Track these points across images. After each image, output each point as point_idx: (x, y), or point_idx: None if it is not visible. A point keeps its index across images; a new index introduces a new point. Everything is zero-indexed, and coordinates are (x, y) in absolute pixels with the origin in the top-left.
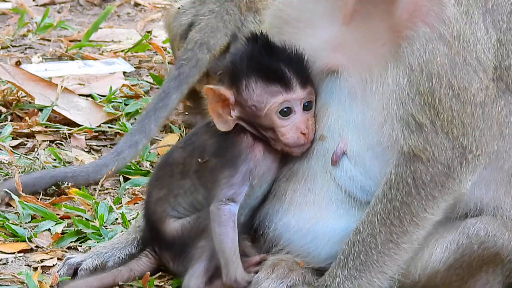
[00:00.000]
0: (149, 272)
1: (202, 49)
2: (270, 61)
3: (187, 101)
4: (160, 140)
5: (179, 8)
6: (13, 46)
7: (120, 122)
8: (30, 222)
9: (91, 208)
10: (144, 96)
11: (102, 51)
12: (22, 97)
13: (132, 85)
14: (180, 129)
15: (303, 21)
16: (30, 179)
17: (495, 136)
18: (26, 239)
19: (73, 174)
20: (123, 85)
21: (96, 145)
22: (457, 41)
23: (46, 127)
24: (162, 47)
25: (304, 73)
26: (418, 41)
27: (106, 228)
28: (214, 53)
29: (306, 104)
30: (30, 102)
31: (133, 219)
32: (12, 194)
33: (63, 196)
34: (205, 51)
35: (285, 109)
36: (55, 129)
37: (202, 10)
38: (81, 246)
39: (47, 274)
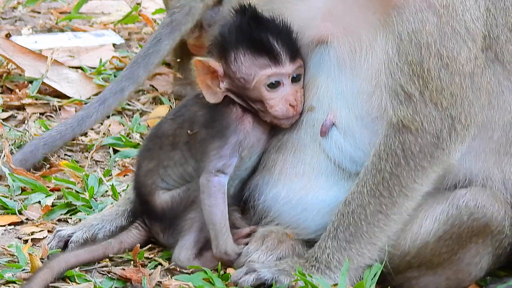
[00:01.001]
0: (139, 244)
1: None
2: (259, 33)
3: (177, 73)
4: (150, 112)
5: None
6: (3, 19)
7: None
8: (20, 194)
9: (81, 180)
10: None
11: (92, 23)
12: (12, 69)
13: (122, 57)
14: (170, 100)
15: None
16: (23, 155)
17: (484, 106)
18: (17, 212)
19: (60, 134)
20: (113, 57)
21: None
22: (446, 10)
23: (36, 99)
24: (152, 18)
25: (293, 47)
26: (408, 10)
27: (96, 200)
28: (207, 3)
29: (294, 76)
30: (20, 75)
31: (123, 191)
32: (2, 167)
33: (53, 168)
34: (198, 0)
35: (273, 82)
36: (45, 101)
37: None
38: (71, 218)
39: (38, 246)
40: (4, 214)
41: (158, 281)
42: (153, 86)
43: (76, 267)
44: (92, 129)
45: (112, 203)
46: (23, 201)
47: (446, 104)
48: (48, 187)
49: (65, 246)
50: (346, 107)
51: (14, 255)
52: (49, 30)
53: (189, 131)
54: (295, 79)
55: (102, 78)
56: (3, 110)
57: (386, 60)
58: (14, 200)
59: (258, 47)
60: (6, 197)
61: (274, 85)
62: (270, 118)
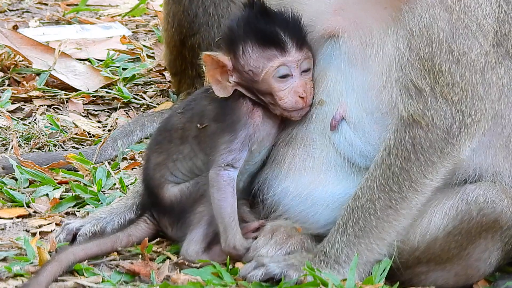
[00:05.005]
0: (147, 238)
1: None
2: (266, 25)
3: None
4: (155, 107)
5: None
6: (11, 10)
7: (117, 87)
8: (28, 187)
9: (89, 173)
10: (142, 60)
11: (99, 16)
12: (19, 61)
13: (129, 49)
14: (177, 96)
15: None
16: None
17: (494, 102)
18: (24, 205)
19: None
20: (120, 50)
21: (94, 110)
22: (458, 6)
23: (43, 91)
24: (159, 11)
25: (300, 35)
26: (420, 5)
27: (104, 193)
28: None
29: (303, 66)
30: (27, 67)
31: (131, 184)
32: (10, 159)
33: (61, 161)
34: None
35: (282, 72)
36: (52, 94)
37: None
38: (79, 211)
39: (46, 239)
40: (12, 207)
41: (167, 275)
42: (162, 74)
43: (84, 260)
44: (99, 121)
45: (120, 196)
46: (31, 193)
47: (456, 99)
48: (56, 180)
49: (73, 239)
50: (356, 102)
51: (22, 248)
52: (57, 22)
53: (198, 125)
54: (303, 70)
55: (110, 71)
56: (10, 102)
57: (397, 55)
58: (22, 193)
59: (264, 39)
60: (14, 189)
61: (283, 76)
62: (280, 110)
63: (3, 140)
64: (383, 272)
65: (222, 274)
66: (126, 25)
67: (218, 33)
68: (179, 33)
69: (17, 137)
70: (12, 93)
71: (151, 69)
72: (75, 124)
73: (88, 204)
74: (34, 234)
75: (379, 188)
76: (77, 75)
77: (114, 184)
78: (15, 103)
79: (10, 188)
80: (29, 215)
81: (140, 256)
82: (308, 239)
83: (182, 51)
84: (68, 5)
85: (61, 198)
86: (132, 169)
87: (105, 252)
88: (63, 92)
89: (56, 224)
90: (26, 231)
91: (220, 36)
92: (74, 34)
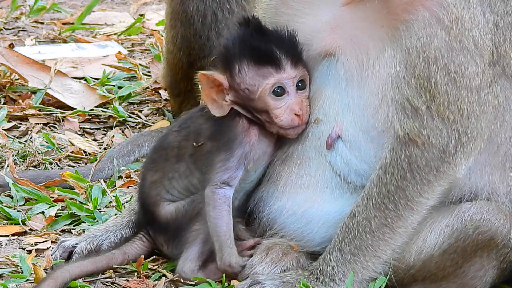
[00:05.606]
0: (143, 256)
1: None
2: (261, 43)
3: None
4: (151, 125)
5: None
6: (6, 29)
7: (112, 105)
8: (23, 205)
9: (85, 191)
10: (138, 78)
11: (95, 34)
12: (15, 79)
13: (125, 68)
14: (172, 115)
15: (302, 2)
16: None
17: (490, 121)
18: (20, 222)
19: None
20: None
21: (90, 128)
22: (455, 26)
23: (39, 110)
24: (155, 30)
25: (295, 52)
26: (417, 25)
27: (100, 211)
28: None
29: (299, 84)
30: (23, 85)
31: (126, 202)
32: (6, 177)
33: (56, 179)
34: None
35: (277, 90)
36: (48, 112)
37: None
38: (75, 229)
39: (41, 257)
40: (7, 224)
41: None
42: (158, 93)
43: (80, 278)
44: (95, 140)
45: (116, 214)
46: (26, 211)
47: (453, 118)
48: (51, 197)
49: (69, 256)
50: (352, 120)
51: (18, 266)
52: (52, 41)
53: (194, 143)
54: (299, 87)
55: (105, 89)
56: (6, 121)
57: (393, 73)
58: (17, 211)
59: (260, 57)
60: (10, 207)
61: (278, 93)
62: (276, 128)
63: None
64: None
65: None
66: (122, 43)
67: None
68: (188, 55)
69: (12, 155)
70: (8, 111)
71: (147, 87)
72: (71, 143)
73: (84, 222)
74: (29, 252)
75: (375, 206)
76: (73, 94)
77: (110, 202)
78: (11, 121)
79: (6, 206)
80: (24, 233)
81: (135, 273)
82: (303, 257)
83: (189, 73)
84: (64, 23)
85: (56, 216)
86: (128, 187)
87: (101, 269)
88: (59, 110)
89: (52, 242)
90: (22, 248)
91: (216, 55)
92: (70, 52)
